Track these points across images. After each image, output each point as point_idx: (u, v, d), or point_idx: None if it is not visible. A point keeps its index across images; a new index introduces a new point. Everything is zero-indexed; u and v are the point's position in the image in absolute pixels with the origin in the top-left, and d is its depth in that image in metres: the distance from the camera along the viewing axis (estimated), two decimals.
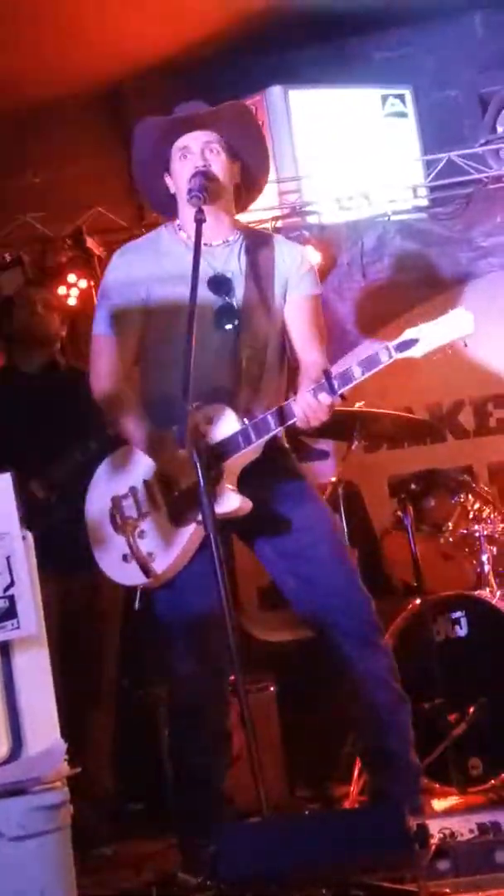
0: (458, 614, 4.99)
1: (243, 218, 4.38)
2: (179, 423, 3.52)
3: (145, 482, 4.01)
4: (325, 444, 6.11)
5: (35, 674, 2.98)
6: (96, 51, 6.16)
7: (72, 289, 6.15)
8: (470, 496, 5.26)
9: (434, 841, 3.45)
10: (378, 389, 6.09)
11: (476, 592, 5.06)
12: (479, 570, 5.14)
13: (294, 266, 4.17)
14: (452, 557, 5.27)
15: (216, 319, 4.03)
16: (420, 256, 6.28)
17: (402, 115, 6.48)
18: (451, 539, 5.21)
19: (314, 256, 5.78)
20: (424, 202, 6.41)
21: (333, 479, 5.33)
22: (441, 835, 3.50)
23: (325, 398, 3.78)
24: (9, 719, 2.91)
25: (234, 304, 4.07)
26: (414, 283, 6.32)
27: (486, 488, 5.44)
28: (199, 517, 3.79)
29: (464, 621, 4.98)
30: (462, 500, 5.25)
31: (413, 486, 5.24)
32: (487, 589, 5.06)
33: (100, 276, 6.05)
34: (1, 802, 2.80)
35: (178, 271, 3.95)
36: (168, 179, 4.13)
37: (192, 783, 4.08)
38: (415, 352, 3.76)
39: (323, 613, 4.07)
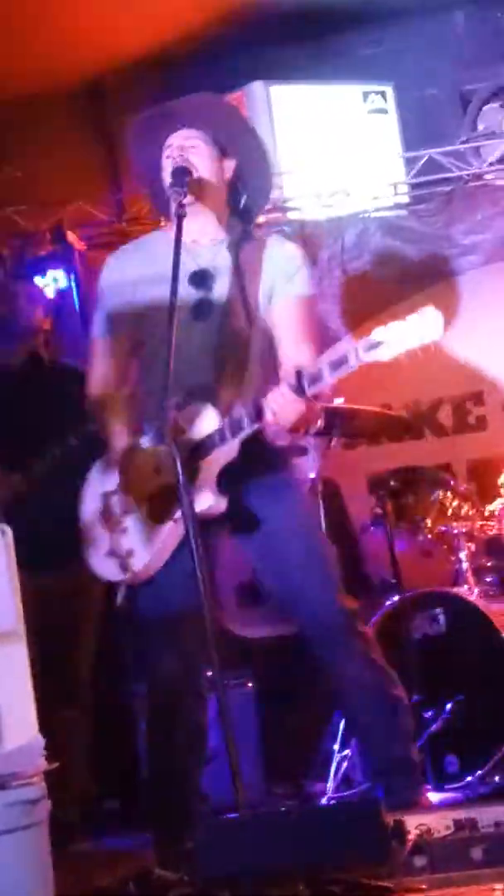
0: (436, 611, 5.00)
1: None
2: (160, 420, 3.52)
3: (130, 481, 4.02)
4: (302, 440, 6.11)
5: (13, 669, 2.98)
6: (77, 46, 6.14)
7: (51, 283, 6.14)
8: (448, 493, 5.27)
9: (410, 837, 3.45)
10: (357, 386, 6.10)
11: (454, 589, 5.07)
12: (457, 567, 5.16)
13: (282, 266, 4.13)
14: (431, 554, 5.29)
15: (193, 314, 4.02)
16: (401, 253, 6.29)
17: (384, 111, 6.47)
18: (429, 536, 5.23)
19: None
20: (405, 199, 6.41)
21: (312, 475, 5.33)
22: (417, 831, 3.49)
23: (292, 397, 3.73)
24: None
25: (213, 298, 4.06)
26: (394, 279, 6.33)
27: (464, 485, 5.46)
28: (178, 514, 3.80)
29: (442, 618, 4.99)
30: (440, 497, 5.27)
31: (392, 483, 5.26)
32: (465, 586, 5.08)
33: (80, 271, 6.09)
34: None
35: (169, 271, 3.95)
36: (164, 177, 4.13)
37: (166, 779, 4.08)
38: (381, 355, 3.67)
39: (296, 617, 4.11)
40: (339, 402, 5.32)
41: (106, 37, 6.15)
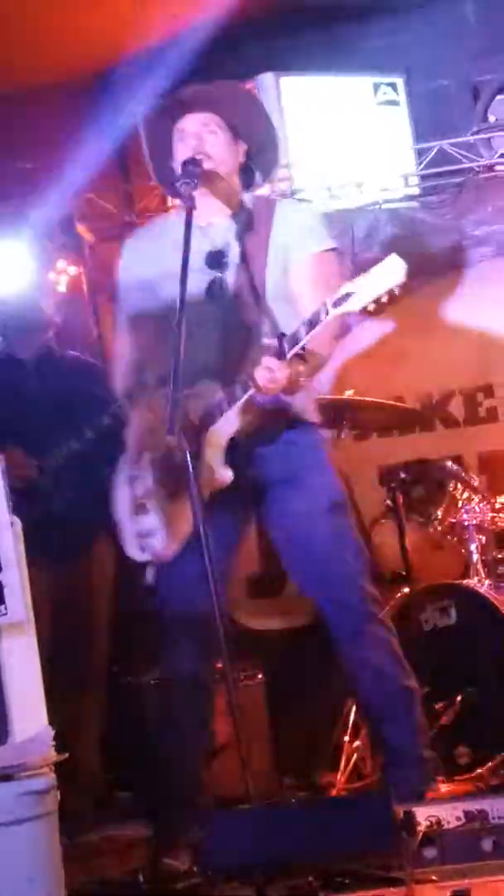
0: (446, 603, 5.00)
1: None
2: (170, 410, 3.53)
3: (151, 462, 4.07)
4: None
5: (23, 660, 2.99)
6: (85, 37, 6.13)
7: (61, 275, 6.13)
8: (459, 485, 5.27)
9: (421, 829, 3.46)
10: (368, 378, 6.11)
11: (465, 581, 5.07)
12: (467, 559, 5.15)
13: (294, 228, 4.17)
14: (441, 546, 5.28)
15: (207, 294, 4.05)
16: (411, 245, 6.25)
17: (394, 103, 6.46)
18: (440, 528, 5.23)
19: None
20: (416, 191, 6.39)
21: None
22: (428, 822, 3.50)
23: (276, 363, 3.81)
24: None
25: (226, 278, 4.08)
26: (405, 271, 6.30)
27: (475, 477, 5.45)
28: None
29: (452, 610, 4.99)
30: (451, 489, 5.26)
31: (402, 476, 5.25)
32: (476, 578, 5.07)
33: (90, 263, 6.09)
34: None
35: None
36: (174, 165, 4.14)
37: (170, 769, 4.09)
38: (351, 305, 3.76)
39: (320, 600, 4.14)
40: (349, 394, 5.32)
41: (114, 30, 6.14)
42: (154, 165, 4.28)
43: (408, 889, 3.18)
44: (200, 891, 3.54)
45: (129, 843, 4.54)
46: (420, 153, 6.27)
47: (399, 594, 5.07)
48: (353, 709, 4.85)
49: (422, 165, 6.25)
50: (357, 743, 4.90)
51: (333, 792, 4.85)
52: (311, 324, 3.80)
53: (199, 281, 3.96)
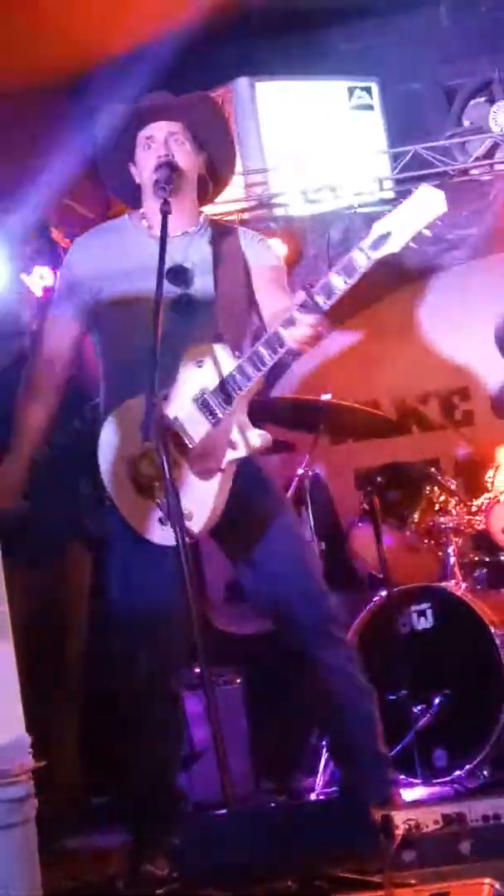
0: (423, 606, 5.00)
1: (209, 210, 4.36)
2: (146, 416, 3.51)
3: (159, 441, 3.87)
4: (290, 436, 6.11)
5: (0, 666, 2.97)
6: (62, 42, 6.12)
7: (37, 280, 6.11)
8: (436, 488, 5.27)
9: (399, 832, 3.46)
10: (344, 381, 6.12)
11: (442, 584, 5.07)
12: (444, 561, 5.16)
13: (254, 244, 4.17)
14: (418, 550, 5.29)
15: (174, 309, 3.99)
16: None
17: (369, 107, 6.48)
18: (416, 531, 5.23)
19: (280, 249, 5.77)
20: (391, 195, 6.40)
21: (300, 471, 5.33)
22: (406, 826, 3.50)
23: (310, 318, 3.64)
24: None
25: (193, 294, 4.05)
26: (380, 275, 6.25)
27: (451, 481, 5.45)
28: (222, 466, 3.82)
29: (429, 613, 5.00)
30: (428, 492, 5.27)
31: (379, 479, 5.25)
32: (453, 581, 5.08)
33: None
34: None
35: (140, 261, 3.94)
36: (133, 169, 4.12)
37: (143, 778, 4.08)
38: (391, 247, 3.60)
39: (281, 606, 4.08)
40: (326, 397, 5.32)
41: (91, 34, 6.14)
42: (107, 171, 4.24)
43: (386, 892, 3.17)
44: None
45: (106, 849, 4.53)
46: (395, 157, 6.29)
47: (376, 597, 5.07)
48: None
49: (397, 169, 6.26)
50: None
51: (311, 796, 4.85)
52: (348, 271, 3.62)
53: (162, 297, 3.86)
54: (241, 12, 6.23)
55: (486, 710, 4.75)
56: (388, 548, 5.08)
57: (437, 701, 4.82)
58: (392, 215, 3.60)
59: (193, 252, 4.09)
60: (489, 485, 5.35)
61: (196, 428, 3.87)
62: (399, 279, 6.31)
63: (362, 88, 6.48)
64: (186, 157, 4.05)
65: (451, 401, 6.31)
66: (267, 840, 3.30)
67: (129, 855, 4.06)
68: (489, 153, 6.23)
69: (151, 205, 4.02)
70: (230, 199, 5.99)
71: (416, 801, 4.53)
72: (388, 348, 6.29)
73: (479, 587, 5.17)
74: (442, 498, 5.23)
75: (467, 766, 4.72)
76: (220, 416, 3.85)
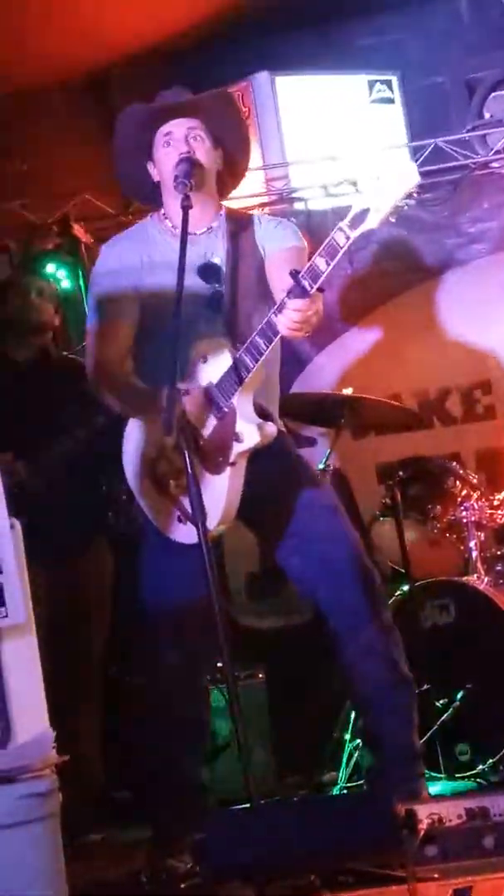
0: (445, 600, 4.99)
1: (229, 205, 4.37)
2: (167, 409, 3.51)
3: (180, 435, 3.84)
4: (312, 431, 6.12)
5: (23, 662, 2.98)
6: (82, 38, 6.13)
7: (58, 276, 6.13)
8: (457, 482, 5.27)
9: (422, 826, 3.46)
10: (365, 376, 6.12)
11: (464, 579, 5.07)
12: (466, 556, 5.15)
13: (269, 229, 4.17)
14: (440, 544, 5.28)
15: (206, 306, 4.03)
16: (407, 243, 6.27)
17: (389, 101, 6.47)
18: (438, 525, 5.23)
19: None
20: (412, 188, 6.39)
21: (321, 465, 5.33)
22: (429, 820, 3.50)
23: (300, 303, 3.63)
24: None
25: (222, 289, 4.07)
26: (401, 269, 6.32)
27: (473, 475, 5.45)
28: (231, 459, 3.83)
29: (452, 607, 4.99)
30: (449, 486, 5.26)
31: (400, 473, 5.25)
32: (475, 575, 5.07)
33: (86, 264, 6.09)
34: None
35: (167, 260, 3.95)
36: (151, 168, 4.13)
37: (166, 773, 4.09)
38: (370, 223, 3.65)
39: (326, 589, 4.06)
40: (347, 391, 5.32)
41: (111, 30, 6.15)
42: (125, 171, 4.25)
43: (409, 887, 3.18)
44: (202, 891, 3.55)
45: (130, 843, 4.55)
46: (415, 150, 6.27)
47: (398, 592, 5.07)
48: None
49: (417, 163, 6.23)
50: (358, 741, 4.90)
51: (335, 790, 4.85)
52: (330, 252, 3.65)
53: (193, 295, 3.90)
54: (260, 6, 6.23)
55: None
56: (410, 542, 5.08)
57: (459, 695, 4.81)
58: (370, 191, 3.64)
59: (219, 248, 4.11)
60: None
61: (204, 423, 3.88)
62: (419, 274, 6.31)
63: (382, 82, 6.47)
64: (206, 154, 4.06)
65: (473, 395, 6.30)
66: (290, 835, 3.30)
67: (153, 850, 4.07)
68: None
69: (172, 202, 4.03)
70: (250, 194, 5.99)
71: (439, 796, 4.52)
72: (409, 343, 6.28)
73: (501, 581, 5.15)
74: (464, 492, 5.23)
75: (490, 761, 4.72)
76: (225, 409, 3.86)
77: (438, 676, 4.81)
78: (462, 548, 5.19)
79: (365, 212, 3.63)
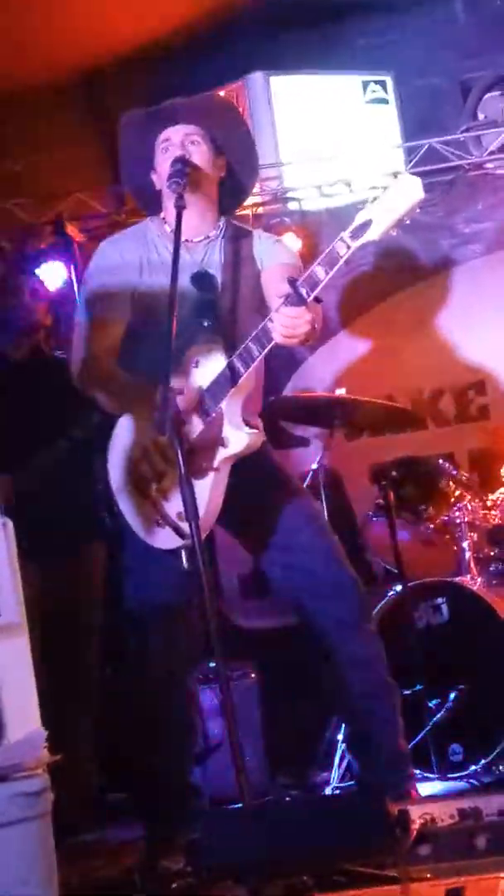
0: (439, 601, 5.00)
1: None
2: (161, 409, 3.51)
3: (154, 441, 3.85)
4: (306, 432, 6.12)
5: (15, 661, 2.98)
6: (75, 38, 6.13)
7: (52, 275, 6.13)
8: (451, 483, 5.27)
9: (415, 826, 3.45)
10: (359, 376, 6.12)
11: (457, 579, 5.07)
12: (459, 556, 5.15)
13: (267, 246, 4.16)
14: (433, 544, 5.29)
15: (196, 314, 4.01)
16: (401, 243, 6.26)
17: (384, 101, 6.48)
18: (431, 526, 5.23)
19: (295, 244, 5.77)
20: None
21: (314, 466, 5.33)
22: (422, 820, 3.49)
23: (295, 311, 3.62)
24: None
25: (214, 299, 4.06)
26: (395, 269, 6.32)
27: (466, 475, 5.45)
28: (215, 465, 3.82)
29: (445, 608, 4.99)
30: (443, 486, 5.26)
31: (394, 474, 5.24)
32: (468, 575, 5.07)
33: (79, 263, 6.08)
34: None
35: (163, 262, 3.95)
36: (154, 176, 4.12)
37: (155, 773, 4.08)
38: (371, 234, 3.63)
39: (310, 599, 4.06)
40: (341, 392, 5.32)
41: (105, 29, 6.15)
42: (129, 180, 4.26)
43: (402, 887, 3.17)
44: (194, 891, 3.54)
45: (123, 843, 4.54)
46: (409, 151, 6.28)
47: (391, 592, 5.07)
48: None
49: (411, 163, 6.25)
50: None
51: (327, 790, 4.85)
52: (330, 261, 3.63)
53: (184, 300, 3.86)
54: (255, 6, 6.23)
55: (502, 705, 4.74)
56: (403, 542, 5.08)
57: (452, 695, 4.81)
58: (374, 204, 3.64)
59: (216, 257, 4.10)
60: None
61: (191, 426, 3.88)
62: (414, 274, 6.31)
63: (377, 82, 6.48)
64: (202, 157, 4.05)
65: (467, 395, 6.31)
66: (282, 835, 3.30)
67: (145, 849, 4.07)
68: None
69: (171, 207, 4.02)
70: None
71: (431, 796, 4.52)
72: (404, 343, 6.28)
73: (494, 582, 5.16)
74: (457, 492, 5.23)
75: (483, 761, 4.72)
76: (212, 413, 3.86)
77: (431, 677, 4.81)
78: (455, 548, 5.20)
79: (367, 223, 3.63)
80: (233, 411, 3.89)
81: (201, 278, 4.07)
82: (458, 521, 5.16)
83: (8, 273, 5.92)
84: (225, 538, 4.32)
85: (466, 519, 5.15)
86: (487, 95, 6.36)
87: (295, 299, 3.62)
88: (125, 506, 4.00)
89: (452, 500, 5.21)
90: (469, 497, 5.22)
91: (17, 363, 5.15)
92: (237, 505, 3.94)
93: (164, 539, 3.88)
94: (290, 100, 6.34)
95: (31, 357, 5.17)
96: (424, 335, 6.27)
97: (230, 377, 3.85)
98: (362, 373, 6.22)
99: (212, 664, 4.47)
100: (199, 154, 4.05)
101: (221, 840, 3.31)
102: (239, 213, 5.46)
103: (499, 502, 5.23)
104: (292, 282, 3.62)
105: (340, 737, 4.83)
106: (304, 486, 5.01)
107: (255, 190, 6.20)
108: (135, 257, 4.11)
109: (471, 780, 4.73)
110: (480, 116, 6.33)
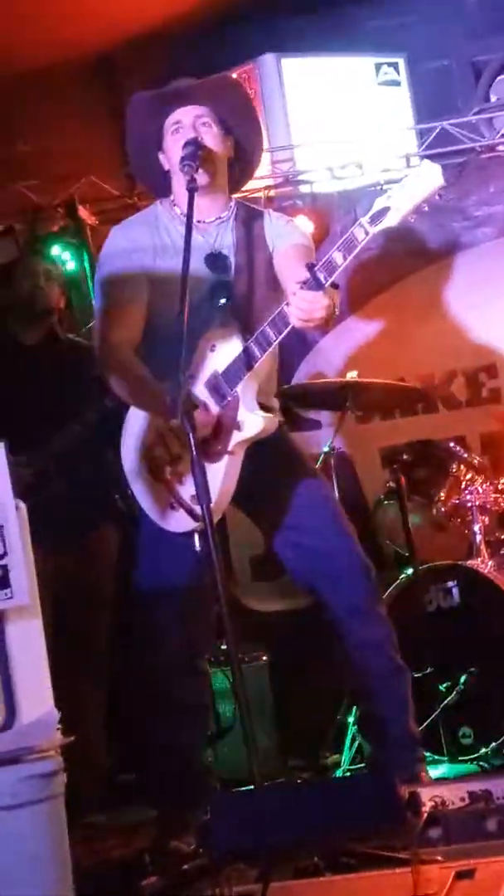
0: (450, 584, 5.00)
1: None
2: (173, 394, 3.51)
3: (169, 425, 3.84)
4: (317, 415, 6.12)
5: (28, 643, 2.98)
6: (87, 20, 6.12)
7: (64, 258, 6.13)
8: (462, 466, 5.26)
9: (425, 809, 3.47)
10: (370, 360, 6.11)
11: (468, 562, 5.07)
12: (470, 539, 5.16)
13: (279, 227, 4.17)
14: (444, 527, 5.29)
15: (211, 295, 4.02)
16: (412, 226, 6.22)
17: (396, 83, 6.46)
18: (443, 509, 5.23)
19: (307, 226, 5.76)
20: None
21: (325, 449, 5.34)
22: (432, 803, 3.51)
23: (312, 295, 3.63)
24: (2, 688, 2.91)
25: (230, 280, 4.06)
26: (406, 252, 6.30)
27: (477, 458, 5.44)
28: (230, 447, 3.84)
29: (455, 591, 5.00)
30: (454, 470, 5.26)
31: (405, 457, 5.25)
32: (479, 559, 5.07)
33: (91, 246, 6.08)
34: None
35: (175, 245, 3.95)
36: (162, 157, 4.12)
37: (168, 755, 4.09)
38: (390, 220, 3.66)
39: (323, 582, 4.08)
40: (352, 375, 5.32)
41: (116, 10, 6.13)
42: (137, 161, 4.25)
43: (413, 869, 3.19)
44: (205, 872, 3.56)
45: (134, 824, 4.56)
46: (421, 133, 6.26)
47: (402, 575, 5.07)
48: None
49: (423, 146, 6.23)
50: None
51: (338, 773, 4.87)
52: (349, 246, 3.65)
53: (198, 282, 3.87)
54: None
55: None
56: (415, 526, 5.08)
57: (463, 678, 4.82)
58: (394, 190, 3.67)
59: (228, 237, 4.11)
60: None
61: (206, 410, 3.88)
62: (426, 257, 6.29)
63: (389, 64, 6.46)
64: (214, 139, 4.05)
65: (478, 378, 6.29)
66: (294, 816, 3.31)
67: (156, 831, 4.09)
68: None
69: (181, 189, 4.00)
70: (256, 177, 5.96)
71: (442, 779, 4.53)
72: (415, 326, 6.27)
73: None
74: (468, 476, 5.23)
75: (493, 744, 4.73)
76: (228, 397, 3.87)
77: (442, 660, 4.82)
78: (466, 531, 5.20)
79: (386, 209, 3.65)
80: (248, 395, 3.90)
81: (215, 259, 4.07)
82: (469, 504, 5.16)
83: (21, 256, 5.92)
84: (237, 521, 4.33)
85: (478, 502, 5.15)
86: (499, 77, 6.34)
87: (313, 284, 3.62)
88: (139, 489, 4.01)
89: (464, 483, 5.21)
90: (480, 480, 5.22)
91: (30, 346, 5.15)
92: (253, 485, 3.96)
93: (178, 522, 3.90)
94: (301, 82, 6.33)
95: (45, 340, 5.17)
96: (436, 318, 6.26)
97: (246, 361, 3.85)
98: (373, 356, 6.21)
99: (223, 647, 4.48)
100: (211, 136, 4.05)
101: (232, 822, 3.32)
102: (251, 195, 5.48)
103: None
104: (310, 267, 3.63)
105: (351, 719, 4.85)
106: (318, 469, 5.04)
107: (267, 172, 6.21)
108: (146, 241, 4.11)
109: (481, 763, 4.74)
110: (492, 98, 6.31)
